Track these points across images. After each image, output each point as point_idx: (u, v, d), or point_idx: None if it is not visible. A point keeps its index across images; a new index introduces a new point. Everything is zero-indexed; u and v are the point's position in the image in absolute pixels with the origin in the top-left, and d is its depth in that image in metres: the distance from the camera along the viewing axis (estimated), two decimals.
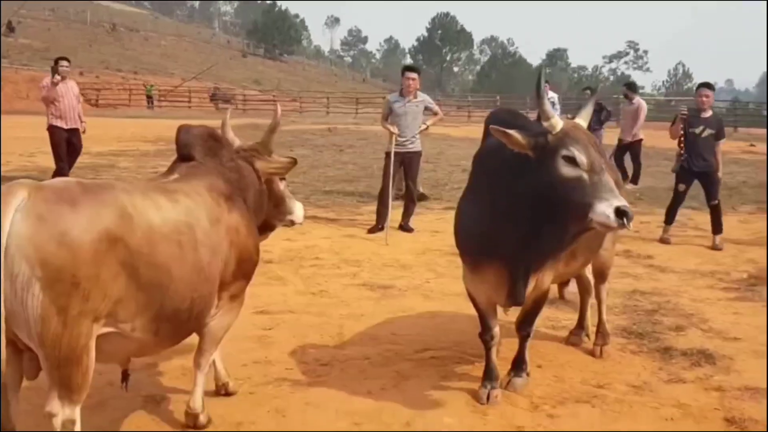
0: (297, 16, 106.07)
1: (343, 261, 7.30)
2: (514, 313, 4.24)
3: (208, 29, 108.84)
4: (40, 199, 2.54)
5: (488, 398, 3.99)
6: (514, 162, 3.43)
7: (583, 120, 3.56)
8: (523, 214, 3.45)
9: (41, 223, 2.49)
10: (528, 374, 4.25)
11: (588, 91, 13.78)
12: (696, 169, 8.31)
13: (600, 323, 4.88)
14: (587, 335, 5.03)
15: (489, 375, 4.08)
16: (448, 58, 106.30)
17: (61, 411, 2.63)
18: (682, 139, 8.38)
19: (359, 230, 8.87)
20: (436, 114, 9.33)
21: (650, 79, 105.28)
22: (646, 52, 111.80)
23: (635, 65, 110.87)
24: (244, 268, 3.46)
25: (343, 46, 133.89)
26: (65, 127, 10.67)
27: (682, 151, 8.41)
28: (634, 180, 13.09)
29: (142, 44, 68.71)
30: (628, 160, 13.25)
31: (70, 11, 72.00)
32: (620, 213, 3.09)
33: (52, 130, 10.70)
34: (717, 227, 8.40)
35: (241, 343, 4.80)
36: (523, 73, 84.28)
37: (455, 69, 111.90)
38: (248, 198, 3.59)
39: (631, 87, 14.16)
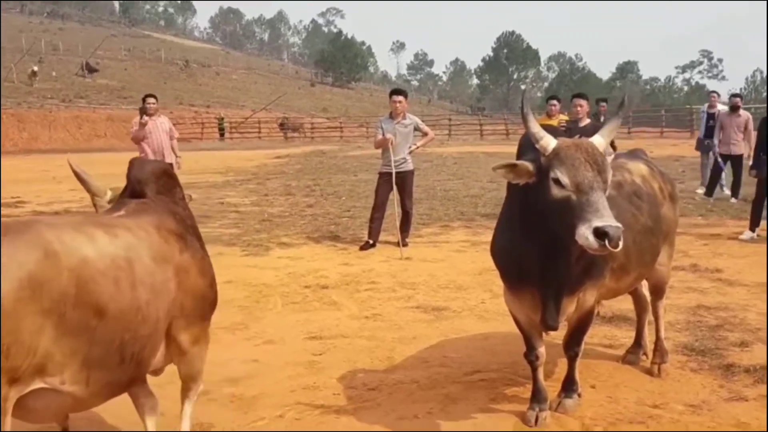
0: (363, 43, 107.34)
1: (398, 284, 7.26)
2: (560, 333, 4.13)
3: (277, 61, 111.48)
4: None
5: (536, 421, 3.89)
6: (523, 184, 3.40)
7: (603, 137, 3.44)
8: (534, 236, 3.42)
9: None
10: (579, 395, 4.12)
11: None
12: None
13: (658, 340, 4.70)
14: (645, 354, 4.85)
15: (537, 396, 3.97)
16: (515, 76, 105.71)
17: None
18: None
19: (417, 252, 8.84)
20: (426, 134, 9.68)
21: (726, 88, 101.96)
22: (720, 60, 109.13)
23: (710, 74, 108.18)
24: (199, 308, 3.26)
25: (409, 70, 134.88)
26: None
27: None
28: None
29: (214, 79, 70.83)
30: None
31: (146, 51, 74.92)
32: (600, 234, 2.96)
33: None
34: None
35: (292, 369, 4.84)
36: (593, 88, 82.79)
37: (522, 87, 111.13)
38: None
39: None
